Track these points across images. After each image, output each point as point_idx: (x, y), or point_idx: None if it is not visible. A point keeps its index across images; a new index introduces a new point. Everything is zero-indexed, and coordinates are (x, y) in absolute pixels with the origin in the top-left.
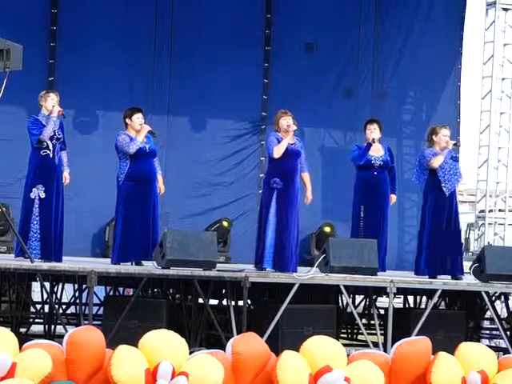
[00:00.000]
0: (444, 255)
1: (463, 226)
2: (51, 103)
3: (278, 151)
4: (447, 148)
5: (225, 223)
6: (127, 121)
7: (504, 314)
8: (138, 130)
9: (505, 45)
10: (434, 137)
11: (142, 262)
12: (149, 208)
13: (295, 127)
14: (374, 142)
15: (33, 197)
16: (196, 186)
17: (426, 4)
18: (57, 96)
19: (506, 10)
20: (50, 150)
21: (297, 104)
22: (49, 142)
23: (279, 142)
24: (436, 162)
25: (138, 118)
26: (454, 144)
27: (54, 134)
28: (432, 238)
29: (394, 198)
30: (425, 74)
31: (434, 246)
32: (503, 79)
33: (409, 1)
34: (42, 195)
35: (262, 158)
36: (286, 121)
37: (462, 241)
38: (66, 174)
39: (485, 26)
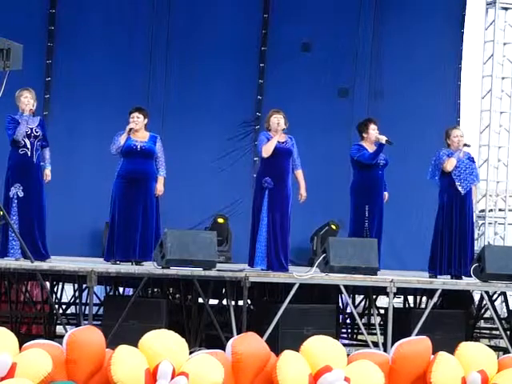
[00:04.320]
0: (456, 255)
1: None
2: (24, 102)
3: (266, 150)
4: (459, 149)
5: (220, 220)
6: None
7: (504, 313)
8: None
9: (505, 44)
10: (448, 140)
11: (142, 261)
12: (137, 208)
13: (284, 126)
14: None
15: (11, 196)
16: (190, 186)
17: (426, 3)
18: (30, 93)
19: (505, 9)
20: (28, 149)
21: (292, 104)
22: (26, 141)
23: (269, 140)
24: (449, 166)
25: (131, 118)
26: (464, 145)
27: (32, 132)
28: (447, 237)
29: (387, 195)
30: (424, 73)
31: (450, 246)
32: (503, 78)
33: (409, 0)
34: (21, 194)
35: (255, 159)
36: (277, 119)
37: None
38: (47, 172)
39: (485, 26)
